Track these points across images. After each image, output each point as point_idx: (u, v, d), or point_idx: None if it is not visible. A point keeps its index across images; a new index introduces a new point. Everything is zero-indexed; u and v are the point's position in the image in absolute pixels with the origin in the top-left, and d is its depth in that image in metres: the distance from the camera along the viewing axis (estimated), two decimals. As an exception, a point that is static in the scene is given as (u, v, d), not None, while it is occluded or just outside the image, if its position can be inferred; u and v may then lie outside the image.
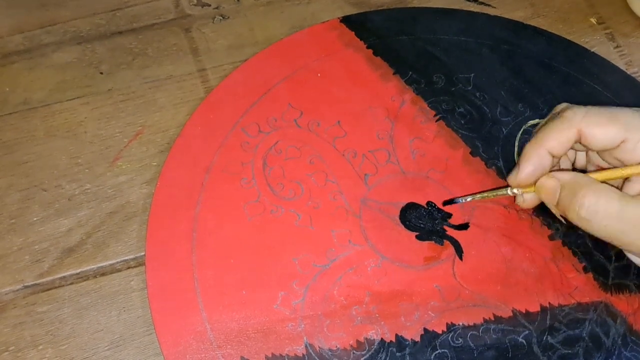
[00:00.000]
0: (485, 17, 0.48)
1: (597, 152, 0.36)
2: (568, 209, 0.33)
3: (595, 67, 0.46)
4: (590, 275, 0.37)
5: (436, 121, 0.43)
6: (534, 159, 0.34)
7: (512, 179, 0.35)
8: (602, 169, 0.36)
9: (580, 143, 0.34)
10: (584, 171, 0.36)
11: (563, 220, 0.34)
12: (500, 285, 0.37)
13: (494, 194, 0.37)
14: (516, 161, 0.41)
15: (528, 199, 0.36)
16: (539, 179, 0.35)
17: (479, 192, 0.38)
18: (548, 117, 0.37)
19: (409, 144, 0.42)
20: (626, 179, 0.34)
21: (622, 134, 0.33)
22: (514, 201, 0.37)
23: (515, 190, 0.36)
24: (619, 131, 0.33)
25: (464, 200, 0.38)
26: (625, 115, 0.33)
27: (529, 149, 0.35)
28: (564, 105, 0.36)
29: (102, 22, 0.47)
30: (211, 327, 0.35)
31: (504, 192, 0.36)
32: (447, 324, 0.36)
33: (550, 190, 0.34)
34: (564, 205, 0.33)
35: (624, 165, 0.34)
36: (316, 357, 0.35)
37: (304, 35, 0.46)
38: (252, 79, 0.44)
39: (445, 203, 0.39)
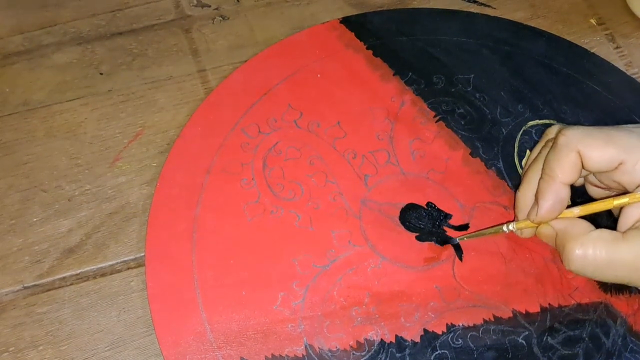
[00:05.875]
0: (485, 18, 0.48)
1: (594, 174, 0.35)
2: (562, 259, 0.33)
3: (595, 68, 0.46)
4: (590, 276, 0.38)
5: (436, 122, 0.43)
6: (549, 195, 0.34)
7: (532, 216, 0.34)
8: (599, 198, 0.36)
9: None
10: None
11: None
12: (500, 285, 0.37)
13: (490, 232, 0.37)
14: (516, 162, 0.41)
15: (527, 232, 0.36)
16: (560, 211, 0.34)
17: (475, 232, 0.38)
18: (542, 140, 0.36)
19: (409, 145, 0.42)
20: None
21: (620, 156, 0.32)
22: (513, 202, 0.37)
23: (511, 227, 0.36)
24: (617, 153, 0.32)
25: (458, 241, 0.38)
26: (622, 136, 0.32)
27: (543, 185, 0.34)
28: (555, 128, 0.36)
29: (102, 23, 0.47)
30: (211, 328, 0.35)
31: (501, 229, 0.36)
32: (447, 324, 0.36)
33: (548, 238, 0.34)
34: (560, 254, 0.33)
35: (622, 186, 0.34)
36: (316, 358, 0.35)
37: (303, 36, 0.46)
38: (252, 80, 0.44)
39: (444, 243, 0.38)
